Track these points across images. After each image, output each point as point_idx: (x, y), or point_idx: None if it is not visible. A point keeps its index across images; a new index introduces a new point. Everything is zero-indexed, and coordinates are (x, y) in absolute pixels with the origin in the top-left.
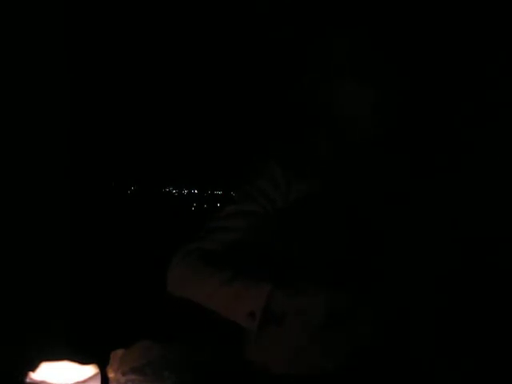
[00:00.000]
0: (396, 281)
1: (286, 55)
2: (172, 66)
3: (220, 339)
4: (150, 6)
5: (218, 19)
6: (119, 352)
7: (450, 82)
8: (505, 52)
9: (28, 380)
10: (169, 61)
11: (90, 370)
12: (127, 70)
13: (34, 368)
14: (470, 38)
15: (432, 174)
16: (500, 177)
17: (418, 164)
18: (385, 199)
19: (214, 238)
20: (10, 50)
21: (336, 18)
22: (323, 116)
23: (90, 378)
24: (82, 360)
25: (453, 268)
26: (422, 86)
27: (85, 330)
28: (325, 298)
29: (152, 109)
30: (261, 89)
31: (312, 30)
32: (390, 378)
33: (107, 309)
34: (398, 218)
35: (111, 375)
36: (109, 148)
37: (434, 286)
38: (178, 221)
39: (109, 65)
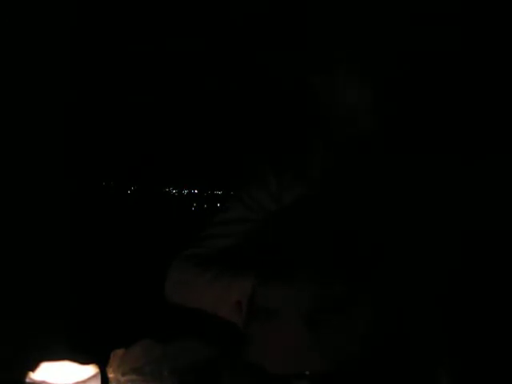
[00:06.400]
0: (395, 271)
1: (285, 57)
2: (172, 67)
3: (220, 339)
4: (151, 7)
5: (217, 20)
6: (119, 352)
7: (451, 82)
8: (505, 50)
9: (28, 380)
10: (169, 62)
11: (90, 369)
12: (127, 71)
13: (33, 368)
14: (469, 39)
15: (430, 172)
16: (499, 175)
17: (416, 163)
18: (383, 195)
19: (207, 244)
20: (11, 49)
21: (336, 21)
22: (319, 116)
23: (90, 378)
24: (82, 360)
25: (452, 262)
26: (422, 86)
27: (85, 329)
28: (313, 285)
29: (152, 109)
30: (259, 89)
31: (313, 33)
32: (391, 376)
33: (107, 309)
34: (397, 215)
35: (111, 375)
36: (109, 148)
37: (434, 277)
38: (178, 221)
39: (109, 65)
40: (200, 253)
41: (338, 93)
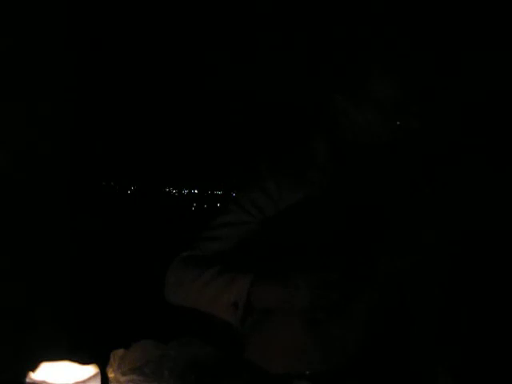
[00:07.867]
0: (394, 270)
1: (294, 64)
2: (173, 68)
3: (220, 339)
4: (152, 7)
5: (220, 21)
6: (119, 352)
7: (460, 92)
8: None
9: (28, 380)
10: (169, 62)
11: (90, 369)
12: (128, 71)
13: (33, 368)
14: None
15: (434, 174)
16: (501, 176)
17: (421, 165)
18: (383, 198)
19: (205, 246)
20: (10, 48)
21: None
22: (331, 122)
23: (90, 378)
24: (82, 360)
25: (452, 260)
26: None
27: (85, 329)
28: (311, 285)
29: (152, 109)
30: (262, 91)
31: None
32: (391, 376)
33: (107, 309)
34: (397, 216)
35: (111, 375)
36: (109, 148)
37: (433, 277)
38: (178, 221)
39: (110, 65)
40: (198, 255)
41: (360, 111)
